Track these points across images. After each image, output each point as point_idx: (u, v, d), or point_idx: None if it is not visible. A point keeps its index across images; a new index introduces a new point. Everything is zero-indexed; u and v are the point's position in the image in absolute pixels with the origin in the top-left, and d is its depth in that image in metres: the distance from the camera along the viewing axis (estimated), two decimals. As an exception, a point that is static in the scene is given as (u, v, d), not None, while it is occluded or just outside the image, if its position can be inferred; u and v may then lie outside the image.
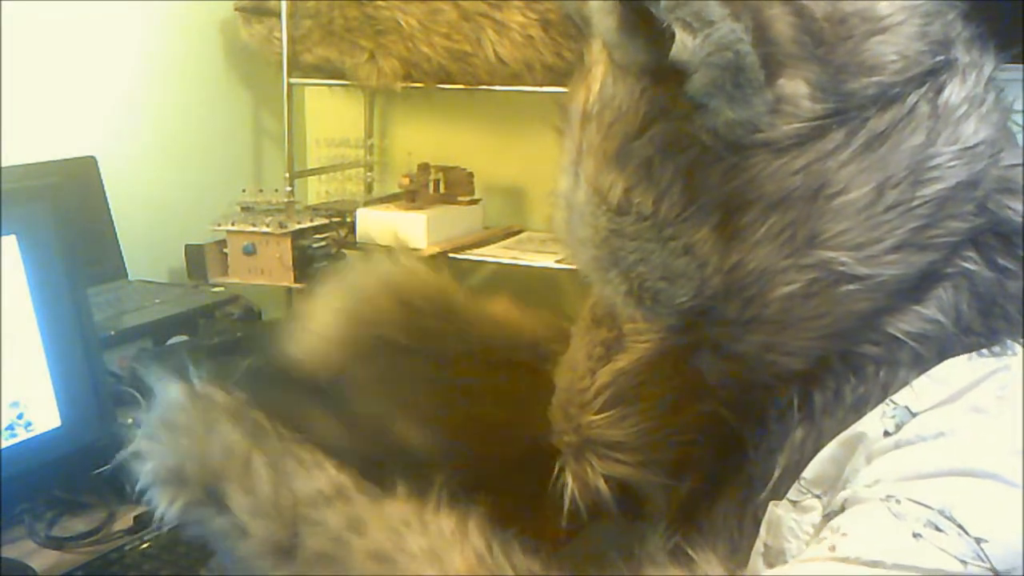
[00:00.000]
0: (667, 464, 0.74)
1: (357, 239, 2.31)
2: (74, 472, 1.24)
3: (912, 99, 0.62)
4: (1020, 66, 0.75)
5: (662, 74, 0.62)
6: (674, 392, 0.73)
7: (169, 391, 0.77)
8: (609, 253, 0.68)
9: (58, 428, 1.18)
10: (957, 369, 0.63)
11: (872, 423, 0.64)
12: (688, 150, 0.63)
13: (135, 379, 1.40)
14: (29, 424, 1.15)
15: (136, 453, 0.75)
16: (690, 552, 0.62)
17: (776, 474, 0.69)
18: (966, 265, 0.65)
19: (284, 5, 2.22)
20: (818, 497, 0.65)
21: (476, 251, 2.25)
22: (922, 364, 0.64)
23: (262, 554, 0.71)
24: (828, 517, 0.62)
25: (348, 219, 2.33)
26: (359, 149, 2.68)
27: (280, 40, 2.25)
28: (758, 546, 0.68)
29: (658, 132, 0.64)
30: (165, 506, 0.74)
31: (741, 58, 0.58)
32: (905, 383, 0.64)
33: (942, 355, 0.64)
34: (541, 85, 2.09)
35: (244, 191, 2.23)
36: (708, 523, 0.73)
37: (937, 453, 0.59)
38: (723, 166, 0.63)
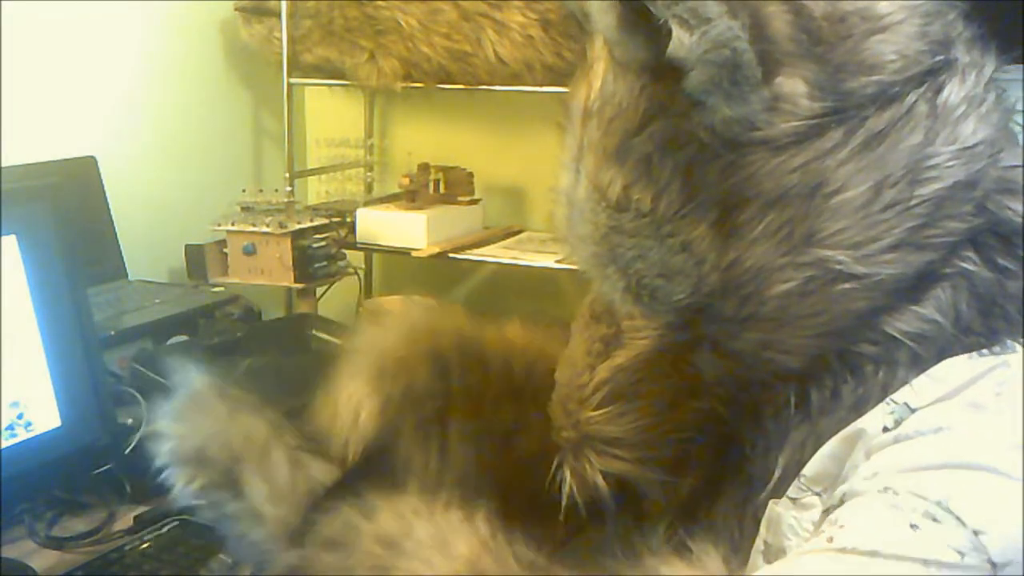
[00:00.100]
0: (665, 461, 0.74)
1: (357, 239, 2.32)
2: (74, 472, 1.24)
3: (911, 98, 0.62)
4: (1021, 67, 0.75)
5: (661, 71, 0.62)
6: (672, 389, 0.73)
7: (194, 378, 0.80)
8: (608, 249, 0.68)
9: (58, 428, 1.18)
10: (956, 367, 0.63)
11: (872, 420, 0.64)
12: (687, 147, 0.63)
13: (135, 379, 1.40)
14: (29, 424, 1.15)
15: (158, 433, 0.78)
16: (690, 546, 0.62)
17: (776, 474, 0.69)
18: (965, 265, 0.65)
19: (284, 5, 2.22)
20: (818, 495, 0.66)
21: (476, 251, 2.26)
22: (921, 364, 0.64)
23: (274, 539, 0.73)
24: (827, 512, 0.62)
25: (348, 219, 2.34)
26: (359, 149, 2.68)
27: (280, 40, 2.25)
28: (758, 544, 0.68)
29: (657, 129, 0.64)
30: (183, 484, 0.77)
31: (738, 55, 0.58)
32: (904, 383, 0.64)
33: (941, 355, 0.64)
34: (541, 85, 2.09)
35: (244, 191, 2.23)
36: (708, 522, 0.73)
37: (935, 447, 0.59)
38: (721, 163, 0.63)
